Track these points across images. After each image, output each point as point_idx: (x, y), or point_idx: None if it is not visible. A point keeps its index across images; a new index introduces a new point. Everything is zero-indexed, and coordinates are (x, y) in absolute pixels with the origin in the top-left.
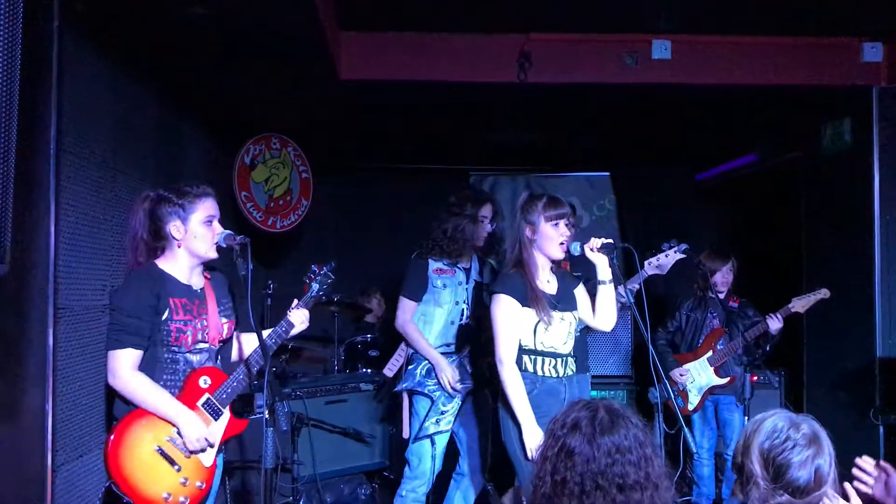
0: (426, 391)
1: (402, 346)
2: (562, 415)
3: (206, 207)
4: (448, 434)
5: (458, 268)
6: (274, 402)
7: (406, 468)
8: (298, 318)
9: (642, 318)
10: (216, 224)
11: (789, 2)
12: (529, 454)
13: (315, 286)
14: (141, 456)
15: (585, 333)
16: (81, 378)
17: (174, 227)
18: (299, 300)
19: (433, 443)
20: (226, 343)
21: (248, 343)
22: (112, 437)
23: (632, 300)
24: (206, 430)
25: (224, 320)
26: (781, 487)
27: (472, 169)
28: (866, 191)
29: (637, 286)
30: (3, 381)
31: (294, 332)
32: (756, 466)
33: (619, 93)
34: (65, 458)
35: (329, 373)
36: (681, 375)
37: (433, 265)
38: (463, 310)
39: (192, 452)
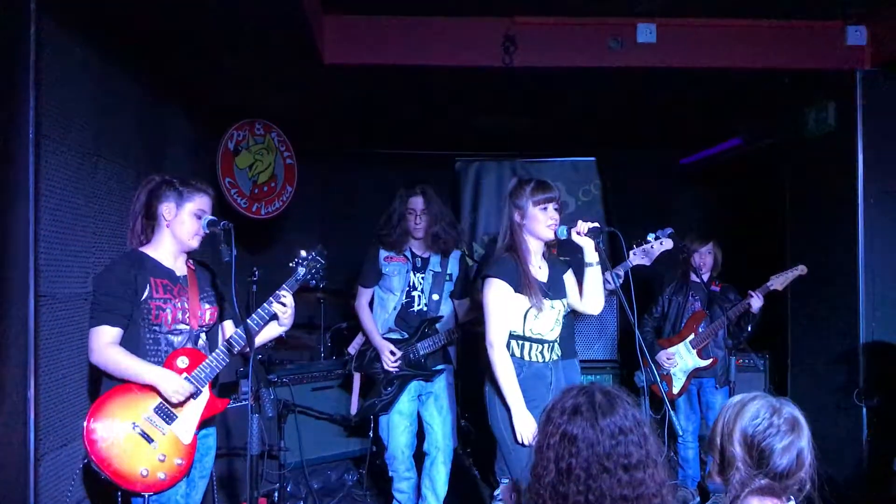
0: (371, 373)
1: None
2: (558, 402)
3: (201, 202)
4: (402, 419)
5: (406, 255)
6: (259, 388)
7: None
8: (282, 299)
9: (629, 304)
10: (204, 220)
11: None
12: (519, 438)
13: (301, 270)
14: (117, 433)
15: (573, 318)
16: (64, 366)
17: (166, 208)
18: (283, 285)
19: (385, 422)
20: (210, 330)
21: (231, 329)
22: (89, 415)
23: (618, 285)
24: (180, 380)
25: (207, 306)
26: (763, 472)
27: (457, 154)
28: (850, 174)
29: (622, 273)
30: None
31: (284, 317)
32: (738, 451)
33: (604, 77)
34: (49, 446)
35: (315, 359)
36: (668, 359)
37: (383, 253)
38: (416, 297)
39: (176, 405)
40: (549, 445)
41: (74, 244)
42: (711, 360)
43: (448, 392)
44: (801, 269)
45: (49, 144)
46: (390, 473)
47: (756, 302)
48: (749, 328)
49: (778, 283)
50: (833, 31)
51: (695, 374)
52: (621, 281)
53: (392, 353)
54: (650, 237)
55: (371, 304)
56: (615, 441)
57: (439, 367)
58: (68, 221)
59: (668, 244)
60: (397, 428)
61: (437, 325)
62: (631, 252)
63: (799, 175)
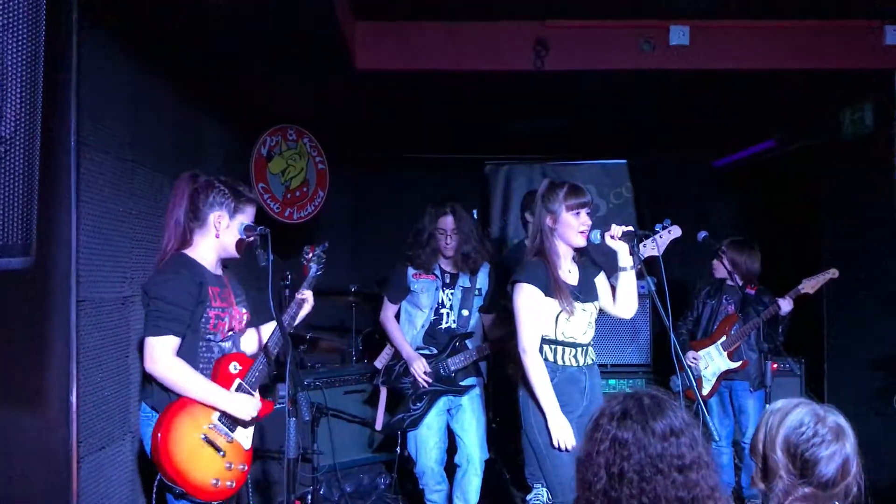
0: (399, 388)
1: None
2: (605, 409)
3: (250, 214)
4: (431, 435)
5: (435, 273)
6: (296, 392)
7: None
8: (305, 296)
9: (664, 307)
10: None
11: None
12: (555, 442)
13: (313, 267)
14: (188, 445)
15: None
16: (103, 370)
17: (218, 217)
18: (303, 284)
19: (414, 438)
20: (241, 332)
21: (267, 333)
22: (159, 430)
23: (653, 289)
24: (252, 404)
25: (243, 310)
26: (808, 481)
27: (487, 157)
28: (888, 176)
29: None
30: (29, 372)
31: (302, 313)
32: (781, 459)
33: (635, 79)
34: (87, 448)
35: (346, 363)
36: (693, 360)
37: (412, 270)
38: (444, 314)
39: (230, 427)
40: (598, 452)
41: (111, 249)
42: (742, 362)
43: (478, 404)
44: (832, 273)
45: (87, 151)
46: (421, 486)
47: (785, 305)
48: (780, 331)
49: (809, 286)
50: (871, 30)
51: (725, 376)
52: (656, 283)
53: (425, 370)
54: (657, 227)
55: (397, 317)
56: (667, 443)
57: (469, 381)
58: (106, 226)
59: (675, 232)
60: (426, 444)
61: (468, 341)
62: (641, 245)
63: (836, 177)
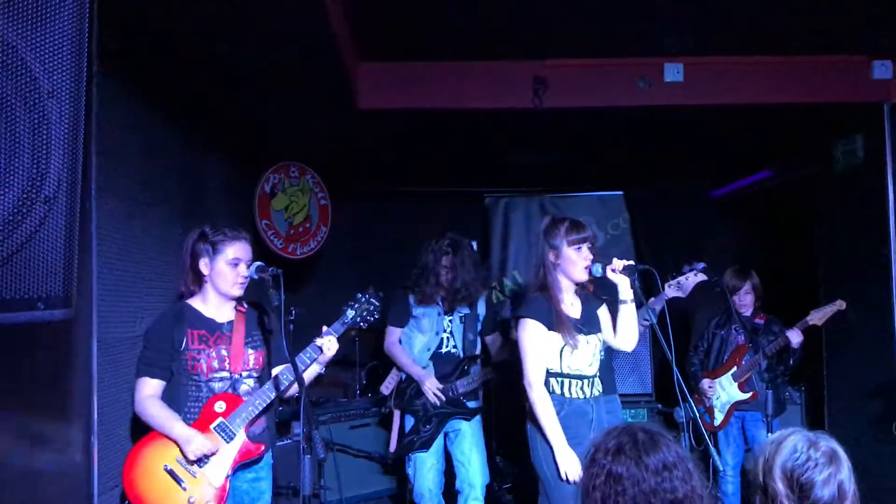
0: (411, 410)
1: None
2: (601, 443)
3: (234, 250)
4: (428, 456)
5: (437, 300)
6: (311, 430)
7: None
8: (326, 344)
9: (665, 339)
10: (242, 266)
11: (799, 22)
12: (563, 475)
13: (350, 313)
14: (151, 475)
15: (609, 355)
16: (117, 410)
17: (203, 264)
18: (329, 326)
19: (412, 460)
20: (260, 374)
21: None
22: (127, 457)
23: (655, 321)
24: (201, 441)
25: (251, 351)
26: None
27: (486, 191)
28: (881, 205)
29: (660, 307)
30: (50, 415)
31: (323, 358)
32: (780, 486)
33: (633, 116)
34: (101, 488)
35: (350, 397)
36: (709, 387)
37: (412, 296)
38: (444, 339)
39: (192, 463)
40: (594, 486)
41: (125, 290)
42: (753, 392)
43: (476, 428)
44: (839, 304)
45: (102, 196)
46: None
47: (795, 337)
48: (791, 362)
49: (817, 318)
50: (859, 65)
51: (736, 407)
52: (658, 314)
53: (438, 388)
54: (685, 269)
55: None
56: (660, 478)
57: (473, 405)
58: (119, 268)
59: (701, 276)
60: (424, 465)
61: (474, 366)
62: (666, 285)
63: (830, 207)
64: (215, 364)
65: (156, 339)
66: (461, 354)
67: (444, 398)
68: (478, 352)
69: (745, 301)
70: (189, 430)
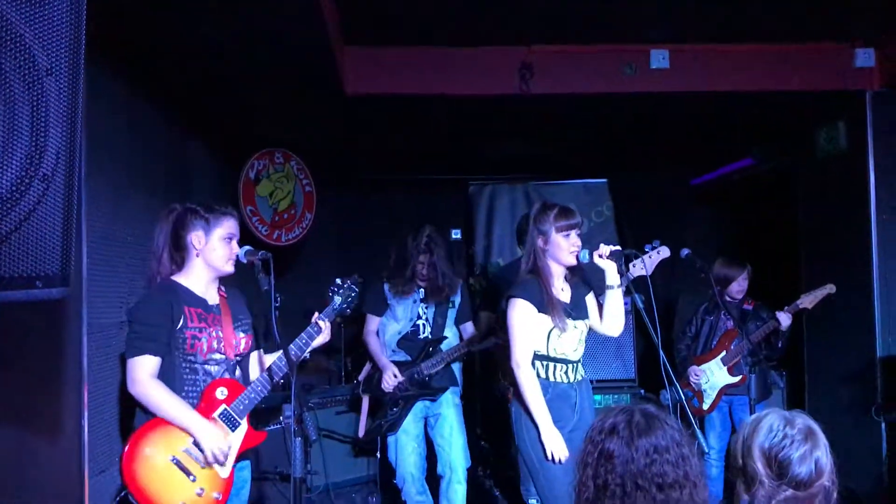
0: (378, 395)
1: None
2: (599, 421)
3: (228, 226)
4: (409, 441)
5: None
6: (302, 412)
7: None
8: (322, 325)
9: (652, 323)
10: (234, 243)
11: (783, 10)
12: (549, 455)
13: (337, 299)
14: (156, 466)
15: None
16: (105, 394)
17: (196, 237)
18: (320, 313)
19: (393, 445)
20: (244, 358)
21: (270, 361)
22: (127, 446)
23: (642, 306)
24: (224, 441)
25: (241, 335)
26: (786, 483)
27: (471, 178)
28: (862, 193)
29: (624, 285)
30: (43, 398)
31: (315, 343)
32: (759, 466)
33: (618, 102)
34: (90, 472)
35: (334, 383)
36: (696, 375)
37: (388, 285)
38: (421, 326)
39: (209, 463)
40: (587, 463)
41: (111, 273)
42: (742, 377)
43: (456, 412)
44: (830, 288)
45: (89, 180)
46: (403, 497)
47: (785, 320)
48: (780, 345)
49: (807, 301)
50: (841, 53)
51: (725, 391)
52: (644, 301)
53: (395, 375)
54: (647, 248)
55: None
56: (649, 459)
57: (449, 384)
58: (104, 253)
59: (664, 252)
60: (405, 449)
61: (441, 346)
62: (631, 265)
63: (812, 194)
64: (214, 344)
65: (152, 314)
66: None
67: (401, 388)
68: (446, 335)
69: (742, 287)
70: (209, 424)
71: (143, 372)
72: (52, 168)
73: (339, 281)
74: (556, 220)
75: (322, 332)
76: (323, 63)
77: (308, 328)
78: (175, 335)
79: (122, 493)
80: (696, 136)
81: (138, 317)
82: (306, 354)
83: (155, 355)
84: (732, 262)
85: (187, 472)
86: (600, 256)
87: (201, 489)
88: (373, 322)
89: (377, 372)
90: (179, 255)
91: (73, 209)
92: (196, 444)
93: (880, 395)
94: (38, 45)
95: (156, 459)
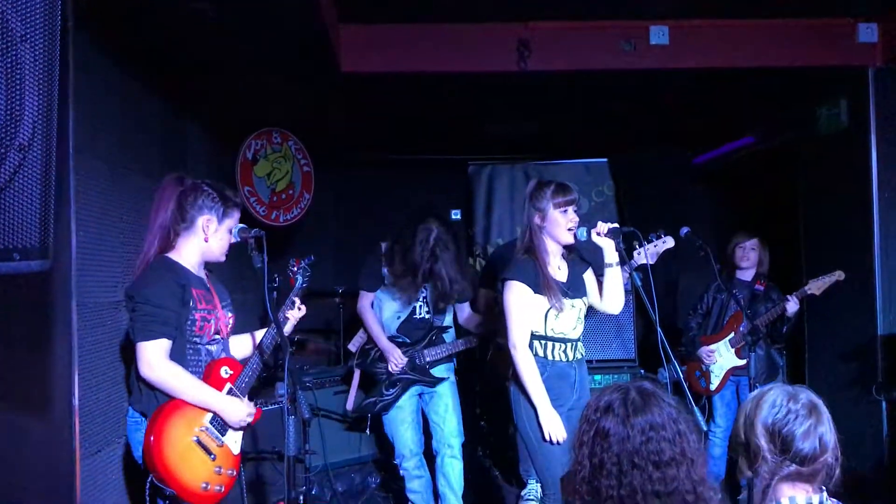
0: (373, 372)
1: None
2: (594, 400)
3: (236, 219)
4: (405, 417)
5: None
6: (296, 390)
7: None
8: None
9: (650, 302)
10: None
11: None
12: (546, 436)
13: (299, 279)
14: (180, 447)
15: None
16: (98, 374)
17: (207, 221)
18: (291, 294)
19: (378, 421)
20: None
21: (259, 337)
22: (152, 432)
23: (640, 284)
24: (246, 410)
25: (230, 314)
26: (789, 458)
27: (470, 158)
28: (864, 170)
29: (626, 274)
30: (34, 376)
31: (294, 317)
32: (762, 441)
33: (617, 79)
34: (83, 452)
35: (334, 364)
36: (708, 355)
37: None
38: (418, 306)
39: (222, 433)
40: (583, 442)
41: (105, 252)
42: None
43: (451, 389)
44: (838, 275)
45: (81, 158)
46: (401, 472)
47: (792, 306)
48: (784, 330)
49: (815, 287)
50: (844, 28)
51: (732, 372)
52: (642, 279)
53: (400, 357)
54: (652, 237)
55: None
56: (645, 437)
57: (441, 373)
58: (99, 232)
59: (669, 242)
60: (401, 424)
61: (445, 336)
62: (635, 252)
63: (813, 172)
64: (220, 326)
65: (165, 295)
66: (433, 321)
67: (402, 371)
68: (447, 323)
69: (748, 257)
70: (230, 398)
71: (159, 356)
72: (28, 138)
73: (292, 262)
74: (553, 196)
75: (296, 307)
76: (319, 41)
77: (280, 312)
78: (185, 317)
79: (150, 480)
80: (697, 113)
81: (149, 298)
82: (292, 330)
83: (169, 339)
84: (741, 230)
85: (208, 451)
86: (598, 234)
87: (219, 467)
88: (366, 298)
89: (374, 347)
90: (175, 230)
91: (52, 181)
92: (213, 420)
93: (881, 373)
94: (11, 11)
95: (181, 442)
